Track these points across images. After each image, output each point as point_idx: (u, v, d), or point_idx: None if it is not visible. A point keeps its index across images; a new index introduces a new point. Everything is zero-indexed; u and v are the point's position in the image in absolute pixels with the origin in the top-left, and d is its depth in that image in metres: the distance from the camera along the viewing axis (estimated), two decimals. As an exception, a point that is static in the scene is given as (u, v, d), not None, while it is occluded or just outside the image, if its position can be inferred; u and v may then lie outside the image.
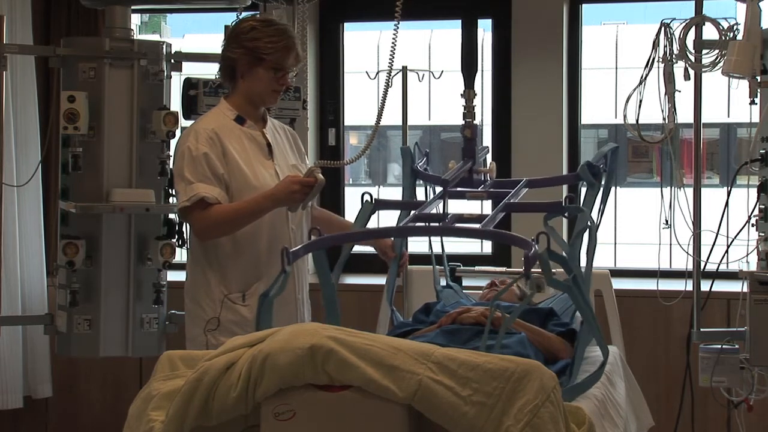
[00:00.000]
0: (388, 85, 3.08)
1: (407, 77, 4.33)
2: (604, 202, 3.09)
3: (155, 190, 3.96)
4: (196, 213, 3.07)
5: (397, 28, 3.01)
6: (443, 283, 3.73)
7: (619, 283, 4.05)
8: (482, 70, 4.77)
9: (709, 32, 3.71)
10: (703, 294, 3.79)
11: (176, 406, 2.18)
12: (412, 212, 2.95)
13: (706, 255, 3.70)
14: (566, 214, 2.92)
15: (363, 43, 7.97)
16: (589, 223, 2.86)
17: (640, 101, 3.69)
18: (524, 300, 2.47)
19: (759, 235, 3.59)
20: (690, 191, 3.78)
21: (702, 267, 3.77)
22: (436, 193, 3.40)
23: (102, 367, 4.82)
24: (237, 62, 3.13)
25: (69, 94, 3.80)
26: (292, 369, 2.12)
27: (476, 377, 2.07)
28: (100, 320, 3.94)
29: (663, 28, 3.69)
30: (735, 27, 3.65)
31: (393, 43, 3.04)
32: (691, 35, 3.70)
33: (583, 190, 3.18)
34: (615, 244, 5.30)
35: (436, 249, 3.75)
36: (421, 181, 3.44)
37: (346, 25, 5.29)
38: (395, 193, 3.52)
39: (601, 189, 3.08)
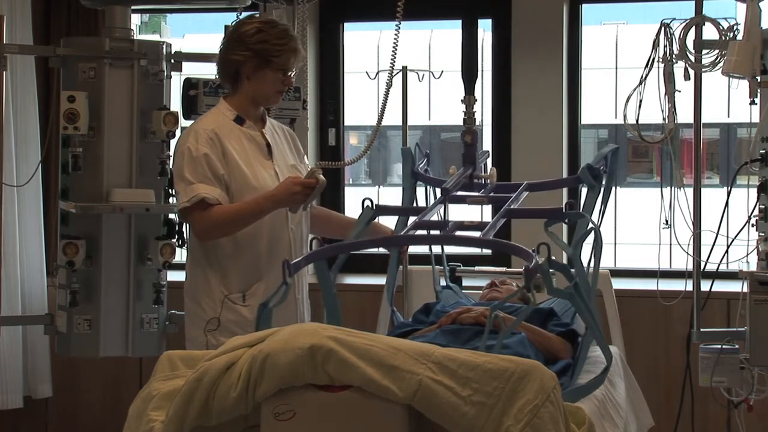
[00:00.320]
0: (389, 86, 3.08)
1: (407, 77, 4.33)
2: (604, 203, 3.09)
3: (155, 190, 3.96)
4: (197, 213, 3.06)
5: (399, 28, 3.01)
6: (443, 283, 3.73)
7: (619, 283, 4.06)
8: (482, 70, 4.76)
9: (709, 32, 3.71)
10: (703, 294, 3.79)
11: (176, 406, 2.18)
12: (411, 218, 2.94)
13: (706, 255, 3.70)
14: (567, 221, 2.91)
15: (363, 43, 7.96)
16: (591, 226, 2.86)
17: (640, 101, 3.69)
18: (527, 309, 2.47)
19: (759, 235, 3.59)
20: (690, 191, 3.78)
21: (702, 267, 3.77)
22: (437, 194, 3.41)
23: (102, 367, 4.82)
24: (243, 64, 3.12)
25: (69, 94, 3.80)
26: (292, 369, 2.12)
27: (476, 377, 2.07)
28: (100, 320, 3.94)
29: (663, 28, 3.70)
30: (735, 27, 3.65)
31: (395, 43, 3.04)
32: (691, 35, 3.70)
33: (584, 191, 3.17)
34: (615, 244, 5.30)
35: (436, 249, 3.75)
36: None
37: (346, 25, 5.29)
38: (395, 194, 3.52)
39: (602, 190, 3.08)
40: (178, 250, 4.04)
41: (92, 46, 3.97)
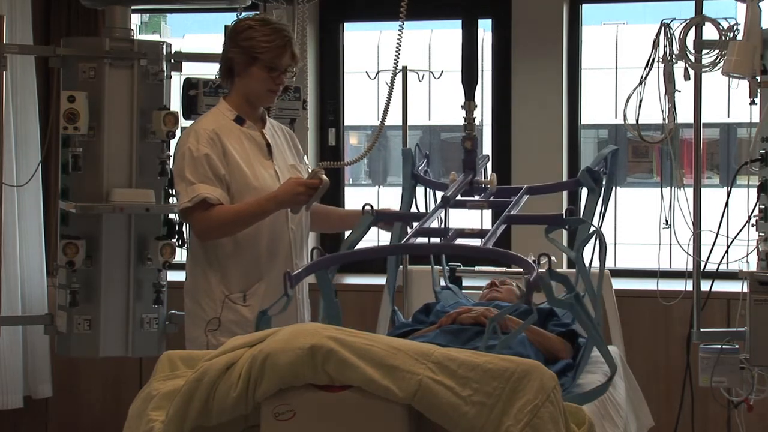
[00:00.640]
0: (392, 86, 3.08)
1: (407, 77, 4.33)
2: (605, 204, 3.09)
3: (155, 190, 3.96)
4: (198, 214, 3.06)
5: (402, 28, 3.00)
6: (442, 283, 3.72)
7: (619, 283, 4.06)
8: (482, 70, 4.76)
9: (709, 32, 3.71)
10: (703, 294, 3.79)
11: (176, 406, 2.18)
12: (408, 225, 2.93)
13: (706, 255, 3.70)
14: (567, 227, 2.91)
15: (363, 43, 7.96)
16: (593, 230, 2.86)
17: (640, 101, 3.69)
18: (529, 319, 2.46)
19: (759, 235, 3.59)
20: (690, 191, 3.78)
21: (702, 267, 3.77)
22: (436, 196, 3.41)
23: (102, 367, 4.82)
24: (234, 62, 3.14)
25: (69, 94, 3.80)
26: (292, 369, 2.12)
27: (476, 377, 2.07)
28: (100, 320, 3.94)
29: (663, 28, 3.70)
30: (735, 27, 3.65)
31: (398, 43, 3.04)
32: (691, 35, 3.71)
33: (584, 193, 3.17)
34: (615, 244, 5.30)
35: (436, 250, 3.75)
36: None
37: (346, 25, 5.29)
38: (395, 194, 3.51)
39: (602, 192, 3.08)
40: (178, 250, 4.04)
41: (92, 46, 3.97)
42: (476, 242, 2.69)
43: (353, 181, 10.57)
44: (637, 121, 3.71)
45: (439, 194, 3.33)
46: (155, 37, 8.32)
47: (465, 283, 3.86)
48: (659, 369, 4.49)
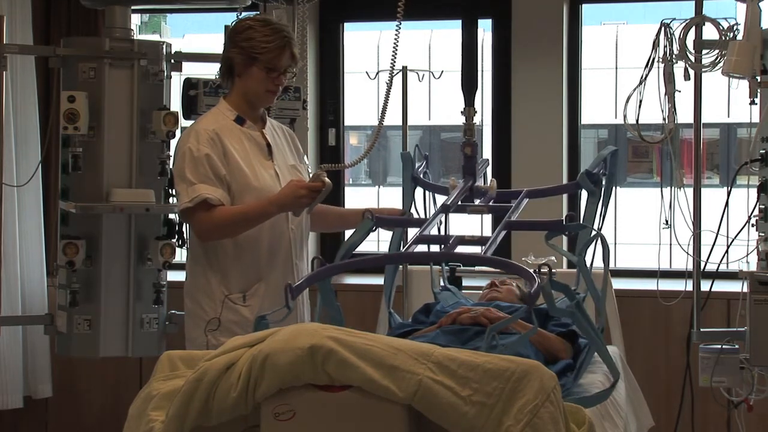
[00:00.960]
0: (390, 86, 3.08)
1: (407, 77, 4.33)
2: (605, 206, 3.08)
3: (155, 190, 3.96)
4: (199, 214, 3.06)
5: (399, 28, 3.01)
6: (442, 284, 3.72)
7: (619, 283, 4.06)
8: (482, 70, 4.76)
9: (709, 32, 3.71)
10: (703, 294, 3.79)
11: (176, 406, 2.18)
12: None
13: (706, 255, 3.70)
14: (567, 233, 2.91)
15: (363, 43, 7.96)
16: (596, 234, 2.86)
17: (640, 101, 3.69)
18: (530, 331, 2.46)
19: (759, 235, 3.59)
20: (690, 191, 3.78)
21: (702, 267, 3.77)
22: (436, 198, 3.41)
23: (102, 367, 4.82)
24: (234, 62, 3.13)
25: (69, 94, 3.80)
26: (292, 369, 2.12)
27: (476, 377, 2.07)
28: (100, 320, 3.94)
29: (663, 28, 3.69)
30: (735, 27, 3.65)
31: (395, 43, 3.04)
32: (691, 35, 3.70)
33: (584, 194, 3.17)
34: (615, 244, 5.30)
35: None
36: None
37: (346, 25, 5.29)
38: (395, 194, 3.51)
39: (602, 194, 3.08)
40: (178, 250, 4.04)
41: (92, 46, 3.97)
42: (477, 249, 2.70)
43: (353, 181, 10.57)
44: (637, 121, 3.71)
45: (439, 197, 3.34)
46: (155, 37, 8.32)
47: (465, 283, 3.86)
48: (659, 369, 4.49)
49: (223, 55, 3.19)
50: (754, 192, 3.66)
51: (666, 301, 3.83)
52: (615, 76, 10.46)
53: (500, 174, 4.89)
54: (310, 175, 3.35)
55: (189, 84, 3.93)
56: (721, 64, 3.62)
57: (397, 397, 2.08)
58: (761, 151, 3.57)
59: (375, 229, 3.07)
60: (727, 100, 9.35)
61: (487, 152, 5.14)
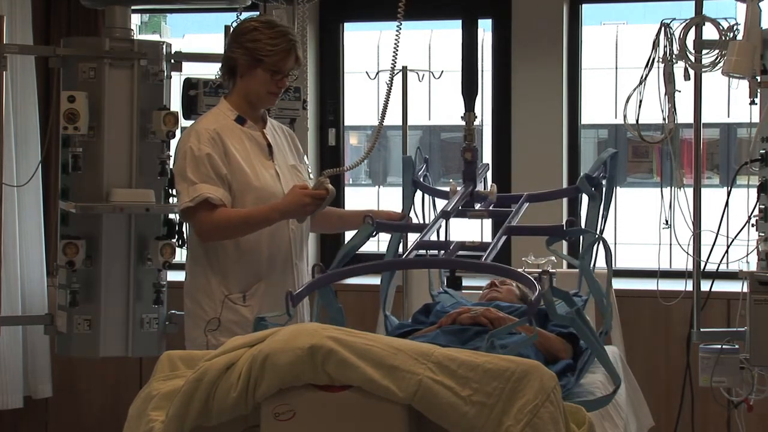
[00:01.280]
0: (390, 86, 3.07)
1: (407, 77, 4.33)
2: (606, 208, 3.08)
3: (155, 190, 3.96)
4: (201, 214, 3.06)
5: (400, 28, 3.00)
6: (440, 289, 3.71)
7: (619, 283, 4.06)
8: (482, 70, 4.77)
9: (709, 32, 3.71)
10: (703, 294, 3.79)
11: (176, 406, 2.18)
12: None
13: (706, 255, 3.70)
14: (568, 238, 2.91)
15: (363, 43, 7.97)
16: (598, 237, 2.86)
17: (640, 101, 3.69)
18: (530, 338, 2.46)
19: (759, 235, 3.59)
20: (690, 191, 3.78)
21: (702, 267, 3.77)
22: (435, 202, 3.41)
23: (102, 367, 4.82)
24: (237, 62, 3.13)
25: (69, 94, 3.80)
26: (292, 369, 2.12)
27: (476, 377, 2.07)
28: (100, 320, 3.94)
29: (663, 28, 3.70)
30: (735, 27, 3.65)
31: (396, 43, 3.03)
32: (691, 35, 3.71)
33: (585, 197, 3.17)
34: (615, 244, 5.30)
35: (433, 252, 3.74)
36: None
37: (346, 25, 5.29)
38: (395, 194, 3.51)
39: (603, 195, 3.08)
40: (178, 250, 4.04)
41: (92, 46, 3.97)
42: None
43: (353, 181, 10.58)
44: (637, 121, 3.71)
45: (439, 201, 3.34)
46: (155, 37, 8.32)
47: (465, 282, 3.85)
48: (659, 369, 4.49)
49: (225, 55, 3.18)
50: (754, 192, 3.66)
51: (666, 301, 3.83)
52: (615, 76, 10.46)
53: (500, 174, 4.90)
54: (311, 176, 3.36)
55: (189, 84, 3.93)
56: (721, 64, 3.63)
57: (397, 397, 2.08)
58: (761, 151, 3.57)
59: (375, 235, 3.07)
60: (727, 100, 9.36)
61: (487, 152, 5.14)
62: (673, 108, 3.72)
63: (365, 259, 4.80)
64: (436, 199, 3.42)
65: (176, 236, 4.02)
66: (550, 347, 2.87)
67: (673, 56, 3.69)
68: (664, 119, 3.74)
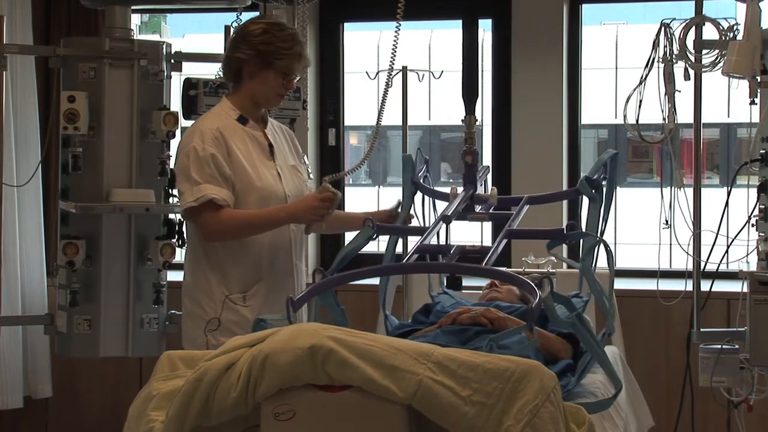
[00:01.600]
0: (387, 87, 3.08)
1: (407, 77, 4.33)
2: (606, 209, 3.08)
3: (155, 190, 3.96)
4: (205, 215, 3.04)
5: (399, 28, 3.00)
6: (439, 290, 3.71)
7: (619, 283, 4.05)
8: (482, 70, 4.77)
9: (709, 32, 3.71)
10: (703, 294, 3.79)
11: (176, 406, 2.18)
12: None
13: (706, 255, 3.70)
14: (568, 242, 2.92)
15: (363, 43, 7.97)
16: (599, 240, 2.86)
17: (640, 101, 3.69)
18: (531, 343, 2.46)
19: (759, 235, 3.59)
20: (690, 191, 3.78)
21: (702, 267, 3.77)
22: (435, 204, 3.41)
23: (102, 367, 4.82)
24: (246, 63, 3.11)
25: (69, 94, 3.80)
26: (292, 369, 2.12)
27: (476, 377, 2.07)
28: (100, 320, 3.94)
29: (663, 28, 3.70)
30: (735, 27, 3.65)
31: (394, 43, 3.03)
32: (691, 35, 3.71)
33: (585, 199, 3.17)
34: (615, 244, 5.30)
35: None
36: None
37: (346, 25, 5.29)
38: (395, 194, 3.51)
39: (603, 196, 3.08)
40: (178, 250, 4.04)
41: (92, 46, 3.97)
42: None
43: (353, 181, 10.56)
44: (637, 121, 3.71)
45: (439, 203, 3.34)
46: (155, 37, 8.32)
47: (465, 282, 3.85)
48: (659, 369, 4.49)
49: (231, 55, 3.16)
50: (754, 192, 3.66)
51: (666, 301, 3.83)
52: (615, 76, 10.46)
53: (500, 174, 4.90)
54: (311, 176, 3.36)
55: (189, 84, 3.92)
56: (721, 64, 3.63)
57: (397, 397, 2.08)
58: (761, 151, 3.57)
59: (375, 237, 3.08)
60: (727, 100, 9.36)
61: (487, 152, 5.14)
62: (673, 108, 3.72)
63: (365, 260, 4.81)
64: (436, 201, 3.42)
65: (176, 236, 4.02)
66: (550, 347, 2.87)
67: (673, 56, 3.69)
68: (664, 119, 3.74)
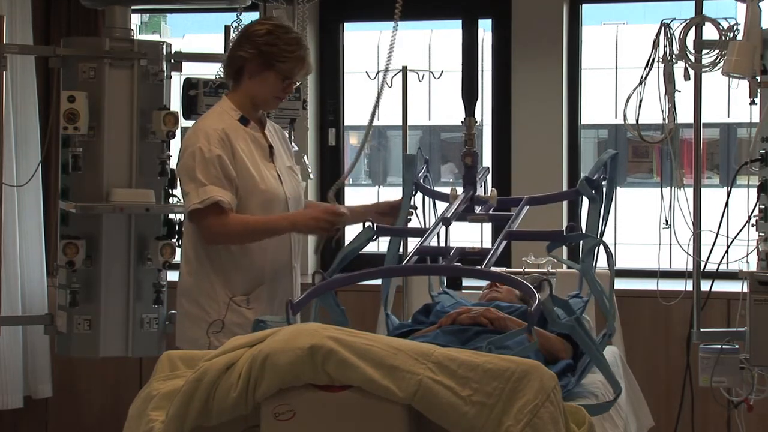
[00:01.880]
0: (382, 88, 3.08)
1: (407, 77, 4.32)
2: (607, 209, 3.08)
3: (155, 190, 3.96)
4: (210, 218, 3.02)
5: (396, 28, 3.00)
6: (439, 290, 3.71)
7: (619, 283, 4.05)
8: (482, 70, 4.77)
9: (709, 32, 3.71)
10: (703, 294, 3.79)
11: (176, 406, 2.18)
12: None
13: (706, 255, 3.70)
14: (568, 243, 2.92)
15: (363, 43, 7.97)
16: (600, 241, 2.87)
17: (640, 101, 3.69)
18: (530, 346, 2.47)
19: (759, 235, 3.59)
20: (690, 191, 3.78)
21: (702, 267, 3.77)
22: (435, 204, 3.41)
23: (102, 367, 4.82)
24: (247, 62, 3.10)
25: (69, 94, 3.80)
26: (292, 369, 2.12)
27: (476, 377, 2.07)
28: (100, 320, 3.94)
29: (663, 28, 3.70)
30: (735, 27, 3.65)
31: (391, 43, 3.04)
32: (691, 35, 3.71)
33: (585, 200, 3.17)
34: (615, 244, 5.30)
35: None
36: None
37: (346, 25, 5.29)
38: (395, 194, 3.51)
39: (603, 197, 3.08)
40: (178, 250, 4.03)
41: (92, 46, 3.97)
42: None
43: (353, 181, 10.57)
44: (637, 121, 3.71)
45: (439, 204, 3.34)
46: (155, 37, 8.32)
47: (465, 282, 3.85)
48: (659, 369, 4.49)
49: (233, 53, 3.14)
50: (754, 192, 3.66)
51: (666, 301, 3.83)
52: (615, 76, 10.47)
53: (500, 174, 4.90)
54: (311, 176, 3.36)
55: (189, 84, 3.92)
56: (721, 64, 3.63)
57: (397, 397, 2.08)
58: (761, 151, 3.57)
59: (375, 239, 3.08)
60: (727, 100, 9.37)
61: (487, 152, 5.14)
62: (673, 108, 3.72)
63: (365, 261, 4.81)
64: (436, 202, 3.42)
65: (176, 236, 4.02)
66: (550, 347, 2.87)
67: (673, 56, 3.69)
68: (664, 119, 3.74)
